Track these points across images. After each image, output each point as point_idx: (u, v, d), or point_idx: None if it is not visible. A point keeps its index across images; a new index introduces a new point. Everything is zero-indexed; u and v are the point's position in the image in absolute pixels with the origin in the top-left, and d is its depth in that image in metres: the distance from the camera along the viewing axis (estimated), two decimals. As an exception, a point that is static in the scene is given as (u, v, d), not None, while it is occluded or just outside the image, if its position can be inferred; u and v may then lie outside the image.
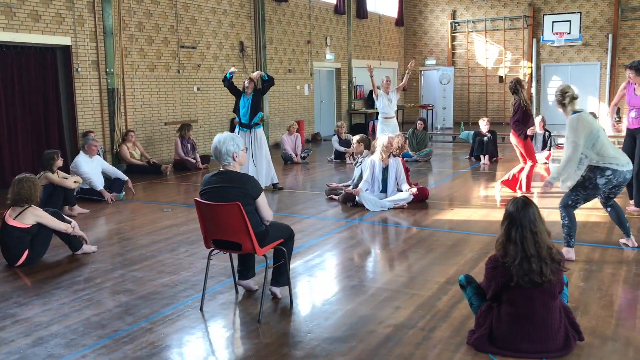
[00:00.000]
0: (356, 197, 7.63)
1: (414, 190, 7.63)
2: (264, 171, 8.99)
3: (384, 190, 7.75)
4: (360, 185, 7.68)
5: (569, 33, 20.02)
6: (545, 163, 11.48)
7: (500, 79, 22.32)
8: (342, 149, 12.26)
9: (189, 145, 11.64)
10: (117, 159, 11.00)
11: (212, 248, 4.29)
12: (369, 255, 5.74)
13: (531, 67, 21.54)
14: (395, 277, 4.92)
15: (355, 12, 19.74)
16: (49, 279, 5.11)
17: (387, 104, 10.96)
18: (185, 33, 12.80)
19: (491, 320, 3.52)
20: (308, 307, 4.32)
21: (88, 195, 8.31)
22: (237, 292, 4.65)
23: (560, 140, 14.21)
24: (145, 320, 4.12)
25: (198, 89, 13.22)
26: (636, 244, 5.59)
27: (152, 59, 12.03)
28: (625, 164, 5.10)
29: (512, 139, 8.56)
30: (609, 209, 5.58)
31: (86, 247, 5.82)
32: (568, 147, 5.07)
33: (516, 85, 8.40)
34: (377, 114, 20.16)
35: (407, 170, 8.05)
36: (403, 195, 7.60)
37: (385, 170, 7.72)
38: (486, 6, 22.14)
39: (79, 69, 10.49)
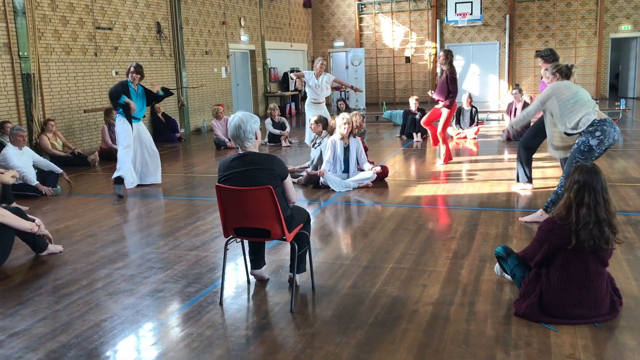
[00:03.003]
0: (320, 178, 7.47)
1: (378, 169, 7.61)
2: (152, 166, 8.19)
3: (346, 170, 7.65)
4: (323, 167, 7.53)
5: (471, 14, 20.89)
6: (474, 138, 11.92)
7: (407, 59, 22.92)
8: (276, 131, 12.00)
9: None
10: (36, 151, 10.01)
11: (230, 237, 3.98)
12: (361, 235, 5.55)
13: (435, 48, 22.26)
14: (402, 255, 4.84)
15: (266, -7, 19.36)
16: (23, 285, 4.52)
17: (314, 89, 10.17)
18: (100, 13, 11.87)
19: (540, 288, 3.53)
20: (331, 293, 4.11)
21: (21, 192, 7.50)
22: (249, 282, 4.37)
23: (483, 116, 14.82)
24: (164, 321, 3.75)
25: (116, 73, 12.35)
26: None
27: (68, 41, 11.05)
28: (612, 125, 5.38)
29: (444, 110, 8.74)
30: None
31: (52, 247, 5.23)
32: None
33: (447, 56, 8.60)
34: (294, 96, 20.09)
35: (365, 149, 8.00)
36: (367, 174, 7.55)
37: (346, 150, 7.61)
38: (391, -12, 22.55)
39: (-11, 52, 9.42)
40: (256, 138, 3.85)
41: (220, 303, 3.98)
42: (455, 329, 3.48)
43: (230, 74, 17.44)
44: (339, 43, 23.53)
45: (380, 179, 7.78)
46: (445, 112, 8.78)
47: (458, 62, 22.59)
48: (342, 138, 7.56)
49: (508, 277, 4.10)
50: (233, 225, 3.87)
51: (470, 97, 12.38)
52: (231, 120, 3.85)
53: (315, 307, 3.90)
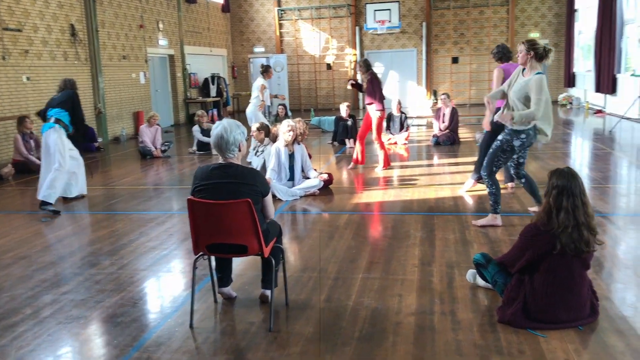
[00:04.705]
0: (266, 187, 7.22)
1: (325, 176, 7.47)
2: (78, 175, 7.69)
3: (292, 178, 7.46)
4: (268, 175, 7.30)
5: (390, 21, 21.29)
6: (405, 144, 12.05)
7: (328, 66, 23.01)
8: (205, 139, 11.56)
9: (31, 141, 10.05)
10: (-58, 164, 9.10)
11: (200, 254, 3.69)
12: (322, 246, 5.39)
13: (356, 55, 22.49)
14: (369, 264, 4.73)
15: (184, -4, 18.79)
16: (-46, 318, 4.00)
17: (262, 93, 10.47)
18: (8, 13, 10.98)
19: (524, 293, 3.51)
20: (307, 308, 3.92)
21: None
22: (216, 301, 4.09)
23: (410, 122, 15.05)
24: (134, 349, 3.40)
25: (28, 78, 11.47)
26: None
27: (-26, 44, 10.14)
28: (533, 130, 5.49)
29: (375, 114, 8.76)
30: (523, 180, 5.98)
31: (-18, 272, 4.69)
32: (536, 105, 5.13)
33: (361, 65, 8.73)
34: (215, 102, 19.62)
35: (309, 157, 7.84)
36: (313, 182, 7.39)
37: (291, 157, 7.42)
38: (310, -6, 22.58)
39: None
40: (239, 150, 3.60)
41: (191, 326, 3.69)
42: (445, 339, 3.39)
43: (149, 79, 16.75)
44: (259, 49, 23.26)
45: (326, 187, 7.65)
46: (375, 118, 8.77)
47: (378, 69, 22.87)
48: (287, 145, 7.37)
49: (482, 283, 4.07)
50: (206, 241, 3.58)
51: (399, 103, 12.53)
52: (214, 128, 3.58)
53: (294, 324, 3.69)
